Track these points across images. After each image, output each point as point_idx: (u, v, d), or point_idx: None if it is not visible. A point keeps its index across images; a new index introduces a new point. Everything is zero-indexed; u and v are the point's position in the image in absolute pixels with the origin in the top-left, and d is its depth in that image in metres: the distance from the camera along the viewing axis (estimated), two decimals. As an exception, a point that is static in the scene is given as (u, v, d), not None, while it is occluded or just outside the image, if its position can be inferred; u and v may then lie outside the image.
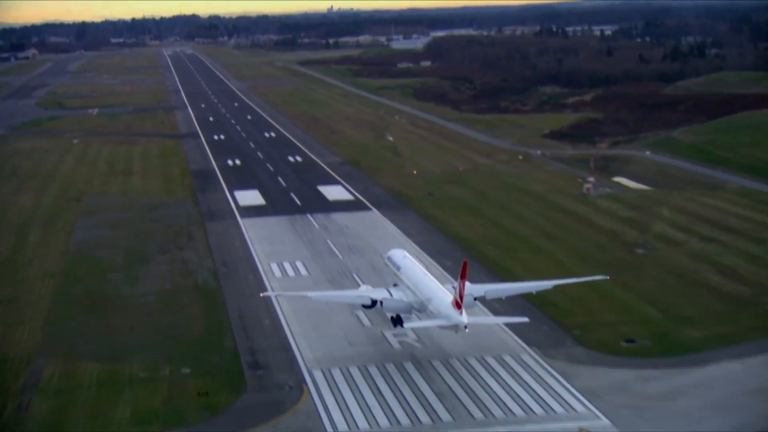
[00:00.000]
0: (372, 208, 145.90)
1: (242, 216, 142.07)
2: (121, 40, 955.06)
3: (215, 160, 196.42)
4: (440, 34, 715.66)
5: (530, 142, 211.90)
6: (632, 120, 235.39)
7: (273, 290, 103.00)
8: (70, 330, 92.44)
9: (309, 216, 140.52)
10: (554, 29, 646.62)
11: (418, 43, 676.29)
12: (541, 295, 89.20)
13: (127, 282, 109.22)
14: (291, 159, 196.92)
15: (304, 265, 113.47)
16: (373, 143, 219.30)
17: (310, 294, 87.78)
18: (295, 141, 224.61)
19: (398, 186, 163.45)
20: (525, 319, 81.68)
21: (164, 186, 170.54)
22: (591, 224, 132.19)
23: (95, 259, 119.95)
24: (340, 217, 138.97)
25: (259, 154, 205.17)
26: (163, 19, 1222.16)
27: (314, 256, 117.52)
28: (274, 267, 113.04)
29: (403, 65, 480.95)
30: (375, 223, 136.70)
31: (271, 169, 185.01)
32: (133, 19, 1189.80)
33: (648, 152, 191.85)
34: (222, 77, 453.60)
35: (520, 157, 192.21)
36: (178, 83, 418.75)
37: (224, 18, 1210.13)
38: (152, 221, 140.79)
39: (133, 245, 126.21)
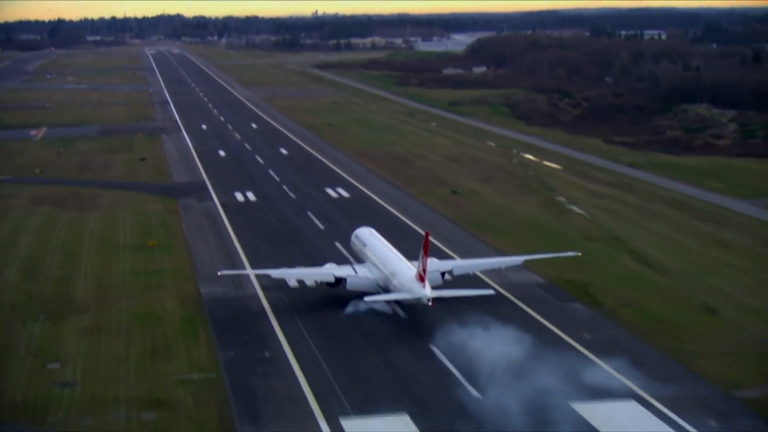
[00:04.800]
0: None
1: None
2: (98, 38, 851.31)
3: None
4: (460, 36, 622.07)
5: None
6: None
7: None
8: None
9: None
10: (610, 32, 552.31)
11: (448, 45, 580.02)
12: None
13: None
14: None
15: None
16: (557, 223, 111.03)
17: (270, 271, 79.30)
18: (396, 213, 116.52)
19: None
20: (491, 292, 76.31)
21: (145, 373, 64.24)
22: None
23: None
24: None
25: (339, 247, 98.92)
26: (145, 18, 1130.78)
27: None
28: None
29: (450, 71, 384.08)
30: None
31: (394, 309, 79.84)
32: (114, 18, 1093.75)
33: None
34: (223, 83, 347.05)
35: None
36: (166, 91, 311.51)
37: (211, 18, 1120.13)
38: None
39: None
